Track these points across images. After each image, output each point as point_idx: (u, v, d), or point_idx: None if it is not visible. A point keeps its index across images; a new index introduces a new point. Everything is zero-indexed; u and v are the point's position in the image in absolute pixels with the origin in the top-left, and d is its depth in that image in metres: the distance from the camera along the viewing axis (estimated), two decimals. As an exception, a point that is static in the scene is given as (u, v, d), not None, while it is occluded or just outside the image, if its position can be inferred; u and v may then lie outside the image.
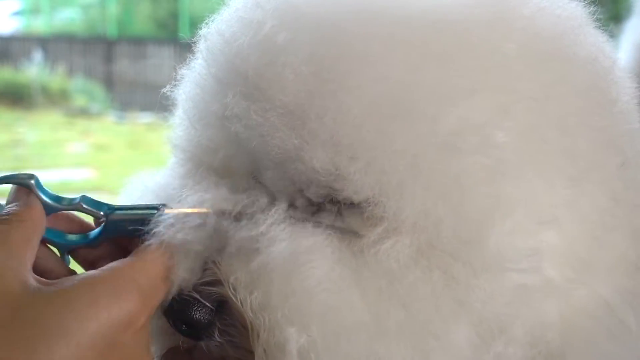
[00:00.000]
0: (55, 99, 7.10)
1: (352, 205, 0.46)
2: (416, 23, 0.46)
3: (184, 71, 0.53)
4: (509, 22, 0.47)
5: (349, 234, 0.47)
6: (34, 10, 10.06)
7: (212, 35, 0.51)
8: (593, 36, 0.51)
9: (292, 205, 0.48)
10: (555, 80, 0.47)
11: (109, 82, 7.60)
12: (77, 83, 7.49)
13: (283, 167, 0.48)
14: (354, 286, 0.46)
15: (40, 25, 9.90)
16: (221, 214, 0.48)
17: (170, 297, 0.46)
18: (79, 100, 7.22)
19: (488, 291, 0.45)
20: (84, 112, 6.80)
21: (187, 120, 0.53)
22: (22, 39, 8.96)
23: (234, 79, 0.48)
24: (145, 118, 6.36)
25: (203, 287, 0.46)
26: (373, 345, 0.45)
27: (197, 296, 0.46)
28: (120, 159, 5.19)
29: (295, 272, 0.45)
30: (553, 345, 0.47)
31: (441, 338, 0.45)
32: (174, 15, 8.62)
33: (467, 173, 0.44)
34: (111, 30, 8.64)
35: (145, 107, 6.35)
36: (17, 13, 10.06)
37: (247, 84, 0.47)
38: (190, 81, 0.53)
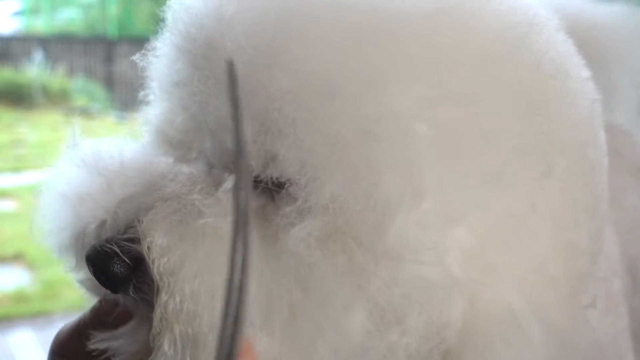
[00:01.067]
0: (56, 99, 7.10)
1: (274, 184, 0.47)
2: (356, 7, 0.46)
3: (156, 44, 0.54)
4: (450, 18, 0.47)
5: (268, 212, 0.47)
6: (34, 11, 10.06)
7: (175, 3, 0.52)
8: (546, 43, 0.50)
9: (225, 179, 0.49)
10: (487, 81, 0.47)
11: (110, 83, 7.60)
12: (78, 83, 7.49)
13: (218, 137, 0.49)
14: (259, 264, 0.46)
15: (40, 25, 9.90)
16: (159, 180, 0.50)
17: (93, 247, 0.48)
18: (79, 101, 7.22)
19: (387, 280, 0.45)
20: (84, 112, 6.80)
21: (151, 90, 0.55)
22: (23, 39, 8.95)
23: (187, 46, 0.50)
24: (146, 118, 6.35)
25: (124, 242, 0.48)
26: (264, 322, 0.46)
27: (117, 250, 0.48)
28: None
29: (204, 247, 0.47)
30: (451, 344, 0.47)
31: (336, 321, 0.45)
32: (175, 16, 8.61)
33: (380, 159, 0.45)
34: (111, 30, 8.64)
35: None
36: (17, 13, 10.05)
37: (197, 51, 0.49)
38: (157, 51, 0.54)
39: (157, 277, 0.46)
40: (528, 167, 0.47)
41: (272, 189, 0.47)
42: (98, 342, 0.49)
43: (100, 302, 0.52)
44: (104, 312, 0.51)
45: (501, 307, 0.47)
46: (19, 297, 2.72)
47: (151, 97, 0.55)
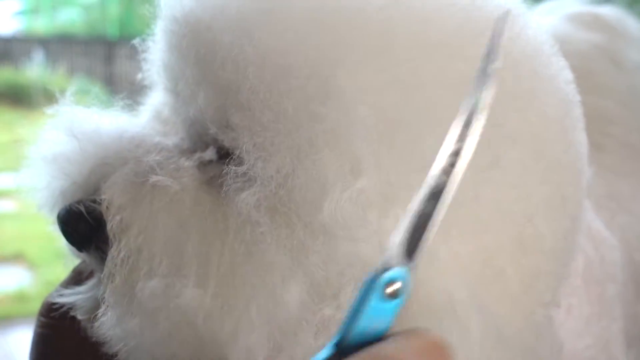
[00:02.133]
0: (56, 99, 7.10)
1: (229, 150, 0.49)
2: None
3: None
4: (407, 9, 0.49)
5: (223, 175, 0.50)
6: (34, 11, 10.06)
7: None
8: (510, 41, 0.50)
9: (194, 150, 0.53)
10: (434, 72, 0.48)
11: (110, 83, 7.60)
12: (78, 83, 7.50)
13: (189, 108, 0.52)
14: (208, 221, 0.49)
15: (41, 25, 9.90)
16: (127, 145, 0.53)
17: (62, 207, 0.51)
18: (79, 100, 7.22)
19: (323, 255, 0.46)
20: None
21: (150, 73, 0.58)
22: (23, 39, 8.95)
23: (171, 28, 0.53)
24: (146, 118, 6.35)
25: (90, 202, 0.51)
26: (200, 275, 0.48)
27: (82, 209, 0.51)
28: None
29: (152, 205, 0.50)
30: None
31: (272, 290, 0.47)
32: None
33: (321, 138, 0.46)
34: (112, 30, 8.64)
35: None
36: (18, 13, 10.05)
37: (178, 32, 0.52)
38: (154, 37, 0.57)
39: (111, 235, 0.49)
40: (475, 157, 0.48)
41: (228, 154, 0.50)
42: (61, 296, 0.53)
43: (81, 263, 0.55)
44: (81, 271, 0.55)
45: (441, 296, 0.47)
46: (19, 297, 2.72)
47: (150, 80, 0.58)
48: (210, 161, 0.52)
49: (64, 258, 0.57)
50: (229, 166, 0.49)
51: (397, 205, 0.47)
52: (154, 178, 0.50)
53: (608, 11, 0.90)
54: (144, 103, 0.60)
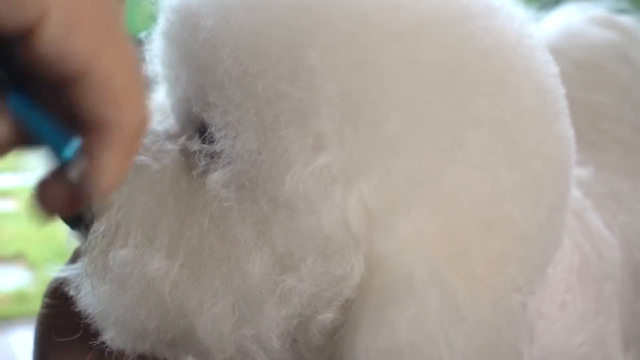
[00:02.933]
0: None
1: (210, 139, 0.52)
2: None
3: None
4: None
5: (199, 155, 0.53)
6: (33, 11, 10.04)
7: None
8: (485, 30, 0.52)
9: (181, 134, 0.56)
10: (403, 55, 0.50)
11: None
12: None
13: (176, 89, 0.56)
14: (182, 199, 0.52)
15: (40, 26, 9.88)
16: None
17: None
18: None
19: (285, 228, 0.48)
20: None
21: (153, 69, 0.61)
22: (22, 39, 8.93)
23: (167, 24, 0.56)
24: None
25: None
26: (170, 246, 0.51)
27: None
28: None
29: (131, 183, 0.52)
30: (351, 300, 0.50)
31: (238, 262, 0.49)
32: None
33: (288, 116, 0.48)
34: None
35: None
36: (16, 14, 10.04)
37: (173, 13, 0.55)
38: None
39: (95, 211, 0.52)
40: (435, 136, 0.49)
41: (207, 139, 0.52)
42: (59, 272, 0.56)
43: (81, 244, 0.57)
44: (80, 252, 0.57)
45: (401, 271, 0.49)
46: (19, 297, 2.71)
47: (153, 73, 0.61)
48: (193, 144, 0.54)
49: (65, 258, 0.60)
50: (202, 145, 0.52)
51: (360, 182, 0.48)
52: (136, 158, 0.52)
53: (627, 19, 0.91)
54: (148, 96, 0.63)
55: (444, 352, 0.49)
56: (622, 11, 0.92)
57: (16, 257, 3.06)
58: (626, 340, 0.70)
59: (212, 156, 0.52)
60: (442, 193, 0.49)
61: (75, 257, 0.58)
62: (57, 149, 0.38)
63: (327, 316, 0.51)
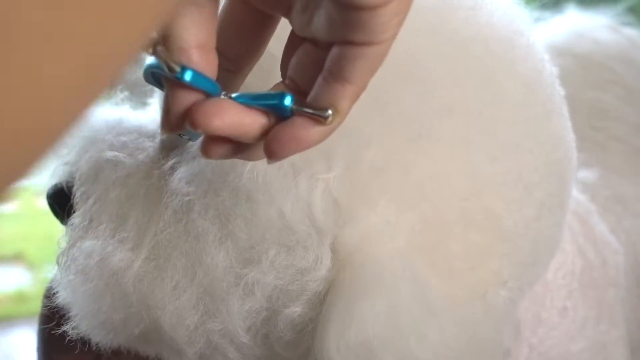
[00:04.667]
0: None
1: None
2: None
3: None
4: None
5: (163, 155, 0.53)
6: (35, 11, 10.06)
7: None
8: (464, 21, 0.51)
9: None
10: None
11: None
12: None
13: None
14: (147, 195, 0.52)
15: (41, 25, 9.90)
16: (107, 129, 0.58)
17: (52, 185, 0.56)
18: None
19: (246, 219, 0.48)
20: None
21: None
22: (24, 39, 8.95)
23: None
24: (146, 119, 6.35)
25: (71, 178, 0.56)
26: (136, 239, 0.51)
27: (64, 184, 0.56)
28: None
29: (106, 178, 0.54)
30: (319, 293, 0.49)
31: (200, 256, 0.49)
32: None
33: None
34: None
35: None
36: (18, 13, 10.07)
37: None
38: None
39: (75, 204, 0.54)
40: (400, 126, 0.48)
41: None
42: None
43: None
44: None
45: (371, 264, 0.48)
46: (19, 297, 2.71)
47: None
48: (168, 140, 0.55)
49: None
50: (172, 156, 0.53)
51: (324, 171, 0.48)
52: (109, 154, 0.53)
53: (633, 30, 0.91)
54: (145, 97, 0.64)
55: (414, 347, 0.48)
56: (626, 24, 0.92)
57: (16, 257, 3.06)
58: (632, 346, 0.69)
59: (181, 154, 0.52)
60: (411, 184, 0.48)
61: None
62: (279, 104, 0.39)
63: (295, 310, 0.50)
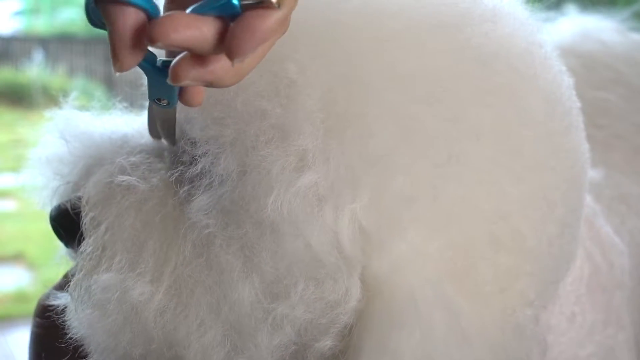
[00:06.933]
0: (56, 99, 7.08)
1: (188, 154, 0.50)
2: None
3: None
4: (358, 3, 0.49)
5: (181, 181, 0.51)
6: (34, 11, 10.04)
7: None
8: (484, 36, 0.50)
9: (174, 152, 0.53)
10: (385, 65, 0.47)
11: (110, 83, 7.59)
12: (78, 83, 7.48)
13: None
14: (165, 223, 0.50)
15: (40, 25, 9.88)
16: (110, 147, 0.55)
17: (55, 206, 0.54)
18: (80, 101, 7.21)
19: (272, 252, 0.46)
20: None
21: None
22: (23, 39, 8.93)
23: None
24: (146, 118, 6.34)
25: (76, 200, 0.53)
26: (155, 271, 0.49)
27: (68, 207, 0.53)
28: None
29: (119, 204, 0.51)
30: (349, 324, 0.48)
31: (225, 291, 0.47)
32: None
33: (270, 131, 0.46)
34: (112, 30, 8.61)
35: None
36: (17, 13, 10.04)
37: None
38: None
39: (84, 231, 0.51)
40: (428, 151, 0.47)
41: (185, 161, 0.51)
42: (55, 299, 0.54)
43: (73, 267, 0.56)
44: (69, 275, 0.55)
45: (403, 294, 0.46)
46: (19, 297, 2.71)
47: None
48: (182, 163, 0.52)
49: (61, 258, 0.59)
50: (182, 167, 0.51)
51: (350, 201, 0.46)
52: (120, 178, 0.51)
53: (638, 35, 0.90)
54: (144, 108, 0.62)
55: None
56: (632, 29, 0.92)
57: (16, 257, 3.06)
58: (638, 348, 0.69)
59: (193, 180, 0.50)
60: (440, 210, 0.47)
61: (65, 280, 0.57)
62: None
63: (325, 344, 0.48)
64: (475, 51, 0.49)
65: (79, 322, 0.51)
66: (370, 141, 0.46)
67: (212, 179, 0.48)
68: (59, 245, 0.58)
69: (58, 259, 0.60)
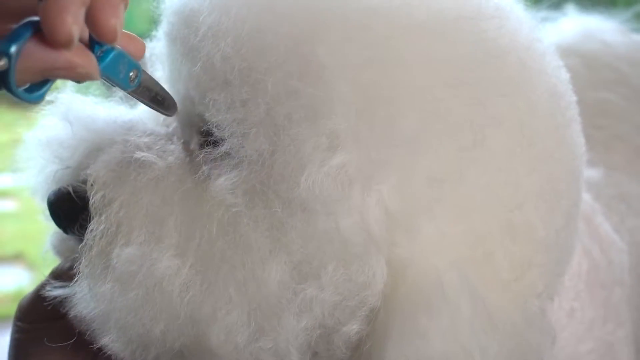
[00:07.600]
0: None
1: (212, 134, 0.50)
2: None
3: None
4: None
5: (204, 159, 0.51)
6: (34, 10, 10.03)
7: None
8: (498, 30, 0.51)
9: (182, 137, 0.54)
10: (417, 52, 0.48)
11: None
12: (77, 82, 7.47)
13: (178, 86, 0.53)
14: (189, 202, 0.49)
15: (40, 25, 9.87)
16: (119, 129, 0.55)
17: (53, 190, 0.53)
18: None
19: (302, 232, 0.46)
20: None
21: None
22: (23, 39, 8.91)
23: (169, 24, 0.55)
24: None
25: (78, 184, 0.52)
26: (180, 246, 0.48)
27: (70, 190, 0.52)
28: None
29: (134, 182, 0.51)
30: (376, 307, 0.47)
31: (253, 270, 0.47)
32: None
33: (300, 114, 0.46)
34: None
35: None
36: (17, 13, 10.03)
37: (175, 14, 0.54)
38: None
39: (93, 210, 0.50)
40: (455, 135, 0.48)
41: (210, 140, 0.50)
42: (52, 290, 0.53)
43: (58, 265, 0.56)
44: (60, 270, 0.55)
45: (429, 277, 0.47)
46: (19, 297, 2.69)
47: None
48: (195, 146, 0.53)
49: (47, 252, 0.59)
50: (207, 148, 0.50)
51: (378, 182, 0.46)
52: (139, 154, 0.51)
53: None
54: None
55: None
56: (635, 30, 0.92)
57: (16, 257, 3.05)
58: (637, 345, 0.69)
59: (215, 160, 0.50)
60: (465, 194, 0.47)
61: (55, 276, 0.55)
62: None
63: (352, 327, 0.48)
64: (491, 43, 0.51)
65: (95, 300, 0.49)
66: (399, 123, 0.47)
67: (239, 159, 0.48)
68: (46, 239, 0.58)
69: (44, 252, 0.59)
